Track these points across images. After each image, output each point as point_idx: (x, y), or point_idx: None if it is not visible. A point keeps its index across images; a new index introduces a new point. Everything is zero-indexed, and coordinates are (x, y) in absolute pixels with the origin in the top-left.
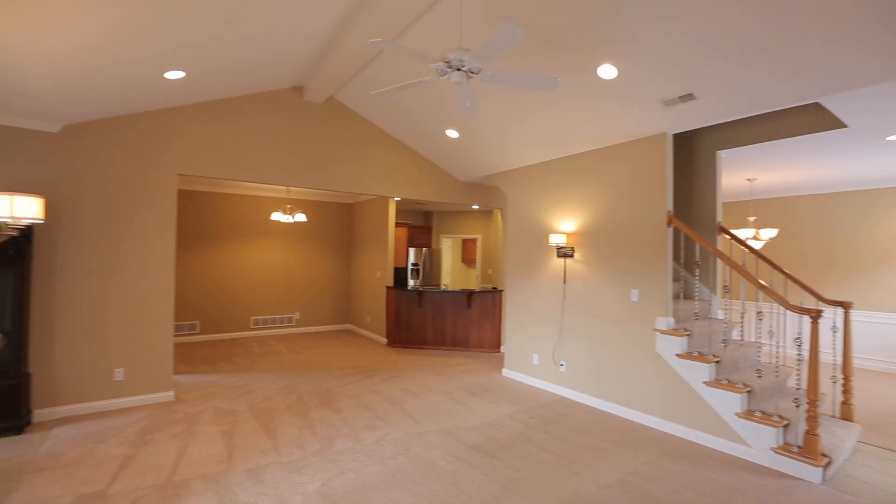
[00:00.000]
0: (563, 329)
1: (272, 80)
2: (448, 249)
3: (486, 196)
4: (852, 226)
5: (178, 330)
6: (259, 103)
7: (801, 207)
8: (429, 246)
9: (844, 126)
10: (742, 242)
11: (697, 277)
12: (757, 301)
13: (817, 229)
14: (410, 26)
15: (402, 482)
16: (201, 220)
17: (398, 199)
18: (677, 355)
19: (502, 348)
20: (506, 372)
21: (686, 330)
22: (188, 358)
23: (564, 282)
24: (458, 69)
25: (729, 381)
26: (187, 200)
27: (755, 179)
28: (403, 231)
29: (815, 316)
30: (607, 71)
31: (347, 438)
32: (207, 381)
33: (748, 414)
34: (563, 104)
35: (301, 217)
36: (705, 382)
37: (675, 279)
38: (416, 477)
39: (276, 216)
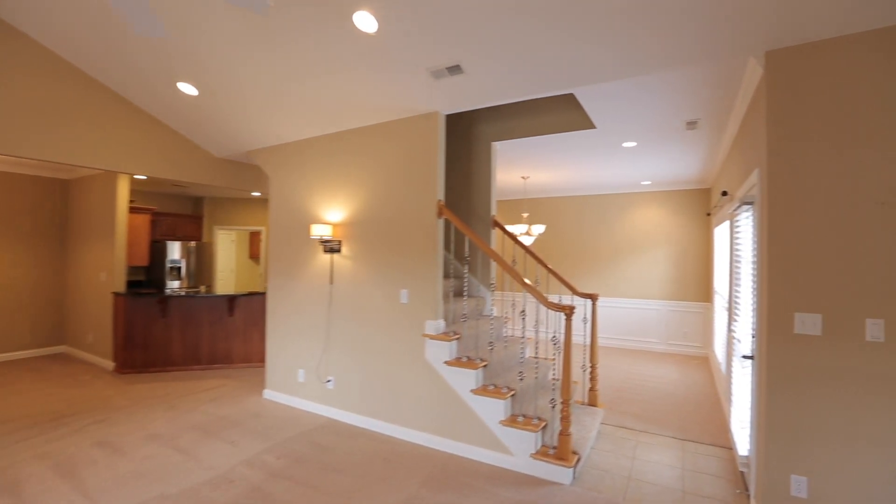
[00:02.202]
0: (330, 338)
1: None
2: (231, 243)
3: (259, 180)
4: (600, 225)
5: None
6: None
7: (565, 207)
8: (198, 239)
9: (594, 127)
10: (513, 237)
11: (466, 274)
12: (524, 295)
13: (576, 227)
14: None
15: None
16: None
17: (142, 177)
18: (446, 362)
19: None
20: (267, 394)
21: (455, 333)
22: None
23: (331, 282)
24: None
25: (495, 387)
26: None
27: (528, 178)
28: (144, 219)
29: (569, 313)
30: (366, 21)
31: None
32: None
33: (511, 420)
34: (322, 61)
35: None
36: (472, 391)
37: (453, 276)
38: None
39: None
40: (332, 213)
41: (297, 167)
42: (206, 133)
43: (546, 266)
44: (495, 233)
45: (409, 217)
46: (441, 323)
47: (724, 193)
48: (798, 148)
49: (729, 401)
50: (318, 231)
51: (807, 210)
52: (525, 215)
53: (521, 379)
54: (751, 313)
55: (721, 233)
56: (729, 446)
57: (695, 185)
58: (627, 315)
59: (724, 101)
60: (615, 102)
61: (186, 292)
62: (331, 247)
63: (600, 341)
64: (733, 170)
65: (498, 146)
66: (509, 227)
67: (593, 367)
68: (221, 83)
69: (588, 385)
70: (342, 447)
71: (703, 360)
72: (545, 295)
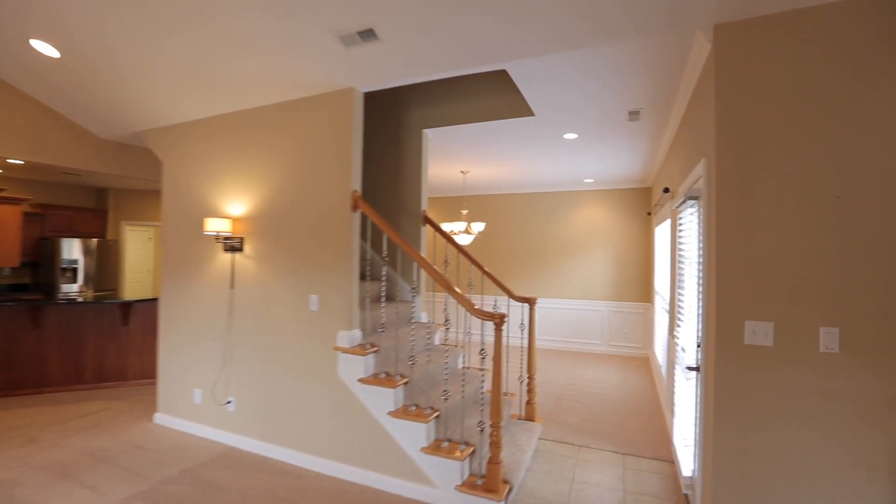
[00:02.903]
0: (230, 352)
1: None
2: (148, 241)
3: (158, 167)
4: (542, 224)
5: None
6: None
7: (506, 205)
8: (101, 236)
9: (532, 114)
10: (445, 235)
11: (385, 276)
12: (455, 302)
13: (518, 226)
14: None
15: None
16: None
17: (18, 161)
18: (360, 380)
19: None
20: (159, 418)
21: (373, 345)
22: None
23: (232, 286)
24: None
25: (417, 407)
26: None
27: (468, 172)
28: (14, 211)
29: (499, 322)
30: None
31: None
32: None
33: (435, 447)
34: (204, 18)
35: None
36: (390, 413)
37: (372, 278)
38: None
39: None
40: (232, 206)
41: (192, 151)
42: (82, 108)
43: (481, 267)
44: (426, 230)
45: (320, 210)
46: (357, 333)
47: (666, 190)
48: (749, 134)
49: (671, 412)
50: (214, 226)
51: (758, 204)
52: (464, 212)
53: (447, 399)
54: (696, 320)
55: (662, 232)
56: (671, 459)
57: (636, 183)
58: (569, 316)
59: (667, 88)
60: (554, 87)
61: (83, 299)
62: (231, 245)
63: (542, 343)
64: (676, 164)
65: (430, 135)
66: (448, 225)
67: (531, 378)
68: (85, 42)
69: (525, 398)
70: (235, 485)
71: (644, 361)
72: (482, 297)
